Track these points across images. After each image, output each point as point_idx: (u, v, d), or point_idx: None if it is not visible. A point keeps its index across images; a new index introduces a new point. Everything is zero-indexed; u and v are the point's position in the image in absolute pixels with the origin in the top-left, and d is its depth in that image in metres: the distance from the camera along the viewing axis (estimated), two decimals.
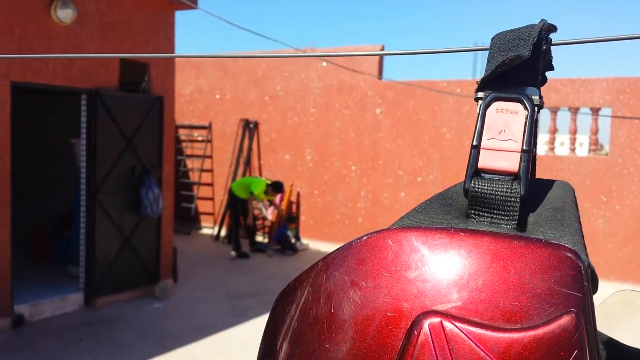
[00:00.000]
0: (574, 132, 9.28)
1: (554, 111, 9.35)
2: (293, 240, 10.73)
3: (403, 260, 0.43)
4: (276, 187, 10.14)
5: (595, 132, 9.15)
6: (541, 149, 10.27)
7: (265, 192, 10.10)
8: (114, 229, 7.05)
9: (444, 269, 0.42)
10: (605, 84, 8.94)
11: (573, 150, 9.43)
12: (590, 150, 9.38)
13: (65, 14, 6.28)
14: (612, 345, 0.68)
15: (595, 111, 9.06)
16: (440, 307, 0.41)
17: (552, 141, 9.56)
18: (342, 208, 10.83)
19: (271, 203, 10.85)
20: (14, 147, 6.14)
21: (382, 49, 10.46)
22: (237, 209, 10.31)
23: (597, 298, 0.76)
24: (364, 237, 0.46)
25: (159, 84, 7.53)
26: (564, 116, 9.58)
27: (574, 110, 9.16)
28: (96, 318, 6.66)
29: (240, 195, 10.13)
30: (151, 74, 7.42)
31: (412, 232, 0.44)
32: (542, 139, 10.69)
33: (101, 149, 6.83)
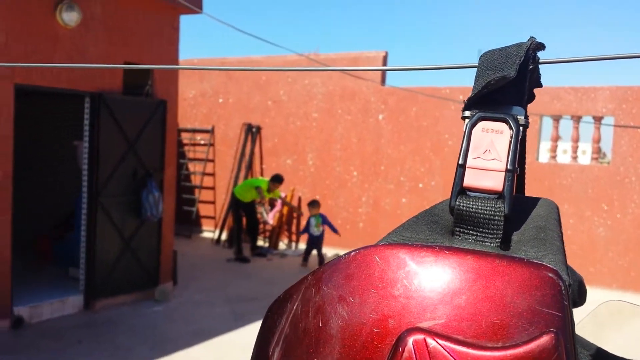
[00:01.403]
0: (576, 140, 9.28)
1: (557, 119, 9.35)
2: (319, 229, 9.85)
3: (389, 276, 0.44)
4: (276, 179, 10.17)
5: (597, 140, 9.15)
6: (544, 157, 10.26)
7: (268, 190, 10.17)
8: (115, 231, 7.06)
9: (428, 286, 0.43)
10: (608, 93, 8.94)
11: (575, 158, 9.43)
12: (592, 159, 9.38)
13: (70, 17, 6.30)
14: (601, 355, 0.69)
15: (597, 120, 9.06)
16: (425, 324, 0.42)
17: (554, 149, 9.56)
18: (343, 213, 10.83)
19: (282, 200, 10.81)
20: (16, 149, 6.16)
21: (386, 55, 10.49)
22: (240, 212, 10.35)
23: (589, 307, 0.77)
24: (352, 253, 0.47)
25: (162, 88, 7.55)
26: (566, 124, 9.58)
27: (577, 119, 9.17)
28: (96, 321, 6.66)
29: (243, 199, 10.18)
30: (155, 78, 7.44)
31: (399, 248, 0.45)
32: (545, 146, 10.69)
33: (104, 152, 6.84)
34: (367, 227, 10.57)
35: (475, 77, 0.53)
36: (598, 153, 9.38)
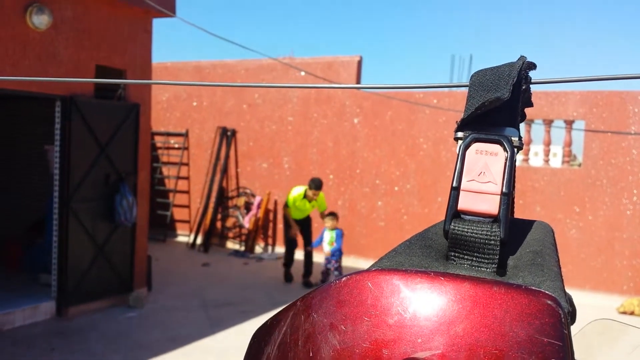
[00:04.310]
0: (548, 143, 9.40)
1: (529, 123, 9.46)
2: (329, 246, 8.79)
3: (383, 303, 0.43)
4: (313, 185, 8.87)
5: (569, 144, 9.28)
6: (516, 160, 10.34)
7: (307, 198, 8.99)
8: (87, 237, 6.95)
9: (424, 314, 0.42)
10: (579, 97, 9.07)
11: (547, 161, 9.55)
12: (564, 162, 9.51)
13: (40, 20, 6.19)
14: None
15: (569, 123, 9.18)
16: (420, 355, 0.40)
17: (526, 152, 9.67)
18: (319, 217, 10.81)
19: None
20: None
21: (360, 60, 10.52)
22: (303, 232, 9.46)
23: (574, 325, 0.76)
24: (343, 279, 0.45)
25: (135, 91, 7.46)
26: (538, 128, 9.69)
27: (548, 123, 9.28)
28: (68, 328, 6.55)
29: (295, 217, 9.29)
30: None
31: (392, 274, 0.44)
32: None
33: (75, 156, 6.73)
34: (343, 230, 10.56)
35: (467, 97, 0.52)
36: (569, 156, 9.51)
